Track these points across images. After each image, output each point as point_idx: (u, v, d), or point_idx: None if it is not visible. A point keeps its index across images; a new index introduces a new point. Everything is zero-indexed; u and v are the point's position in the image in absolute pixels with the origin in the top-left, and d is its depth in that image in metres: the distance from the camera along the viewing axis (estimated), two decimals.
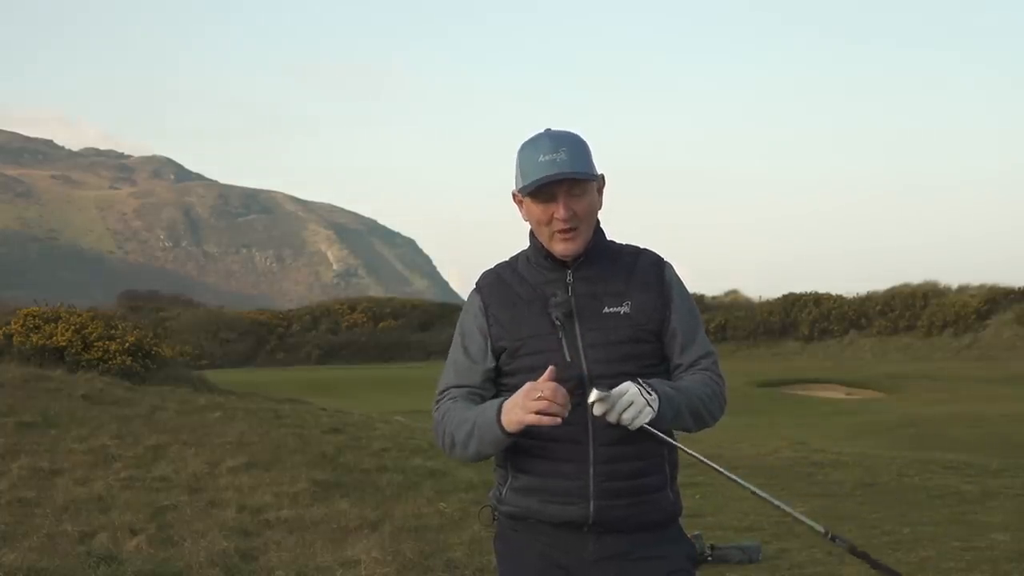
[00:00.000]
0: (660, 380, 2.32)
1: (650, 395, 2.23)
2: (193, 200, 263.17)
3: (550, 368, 2.20)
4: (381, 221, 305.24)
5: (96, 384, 11.96)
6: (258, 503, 6.99)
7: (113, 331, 14.25)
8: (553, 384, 2.17)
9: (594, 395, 2.20)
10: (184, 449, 8.69)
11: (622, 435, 2.27)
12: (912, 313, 30.94)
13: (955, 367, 24.81)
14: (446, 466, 8.23)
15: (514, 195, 2.47)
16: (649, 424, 2.23)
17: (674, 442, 2.32)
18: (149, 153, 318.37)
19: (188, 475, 7.80)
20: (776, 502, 2.31)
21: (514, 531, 2.43)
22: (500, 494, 2.45)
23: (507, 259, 2.53)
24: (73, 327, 13.90)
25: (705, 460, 2.30)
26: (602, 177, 2.46)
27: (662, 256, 2.49)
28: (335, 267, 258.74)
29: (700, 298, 34.21)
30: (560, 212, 2.35)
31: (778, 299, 34.03)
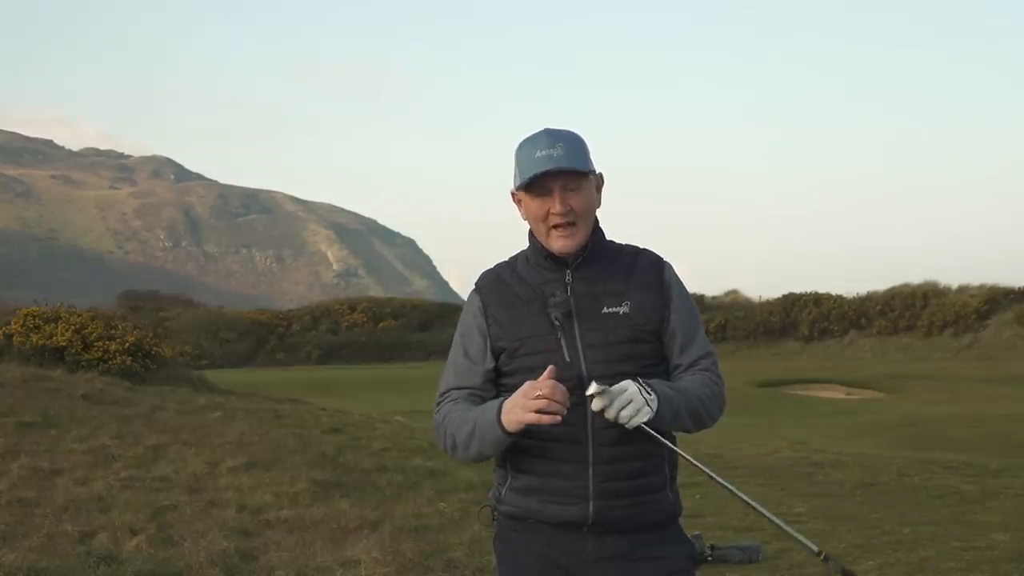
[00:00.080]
0: (660, 381, 2.33)
1: (649, 395, 2.24)
2: (193, 200, 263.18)
3: (550, 368, 2.20)
4: (381, 221, 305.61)
5: (96, 384, 11.96)
6: (258, 503, 6.99)
7: (113, 331, 14.25)
8: (552, 382, 2.17)
9: (593, 387, 2.20)
10: (184, 449, 8.69)
11: (622, 435, 2.27)
12: (912, 313, 30.93)
13: (955, 367, 24.80)
14: (446, 466, 8.23)
15: (513, 195, 2.48)
16: (647, 424, 2.23)
17: (671, 444, 2.32)
18: (149, 153, 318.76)
19: (188, 475, 7.80)
20: (771, 516, 2.31)
21: (514, 531, 2.43)
22: (500, 494, 2.45)
23: (506, 259, 2.53)
24: (73, 327, 13.89)
25: (698, 464, 2.30)
26: (600, 176, 2.46)
27: (661, 256, 2.49)
28: (335, 267, 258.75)
29: (700, 298, 34.20)
30: (556, 207, 2.36)
31: (778, 299, 34.02)
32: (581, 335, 2.35)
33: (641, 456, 2.33)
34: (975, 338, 29.07)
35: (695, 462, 2.31)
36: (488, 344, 2.42)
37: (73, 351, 13.47)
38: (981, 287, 31.41)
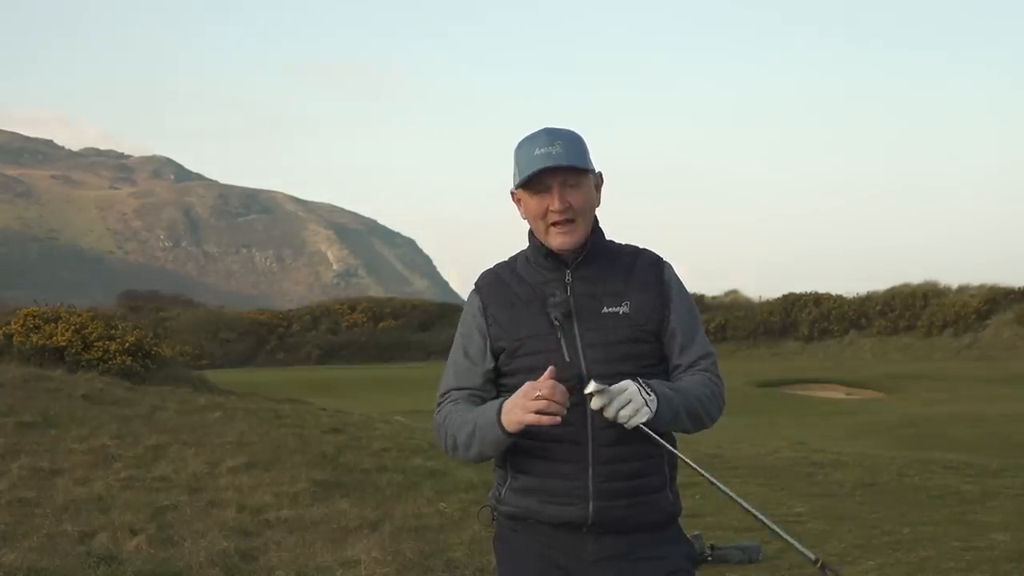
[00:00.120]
0: (660, 381, 2.33)
1: (649, 396, 2.24)
2: (193, 200, 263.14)
3: (550, 368, 2.20)
4: (381, 221, 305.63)
5: (96, 384, 11.96)
6: (258, 503, 6.99)
7: (113, 331, 14.25)
8: (551, 382, 2.18)
9: (592, 386, 2.20)
10: (184, 449, 8.69)
11: (621, 436, 2.27)
12: (912, 313, 30.93)
13: (955, 367, 24.79)
14: (446, 466, 8.23)
15: (512, 194, 2.48)
16: (646, 425, 2.23)
17: (668, 446, 2.32)
18: (149, 153, 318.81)
19: (188, 475, 7.80)
20: (768, 522, 2.31)
21: (513, 531, 2.43)
22: (499, 494, 2.45)
23: (506, 259, 2.54)
24: (73, 327, 13.89)
25: (696, 467, 2.30)
26: (600, 175, 2.46)
27: (661, 256, 2.49)
28: (335, 267, 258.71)
29: (700, 298, 34.19)
30: (555, 203, 2.36)
31: (778, 299, 34.01)
32: (581, 335, 2.35)
33: (640, 456, 2.33)
34: (975, 338, 29.06)
35: (693, 464, 2.30)
36: (488, 344, 2.42)
37: (73, 351, 13.47)
38: (981, 287, 31.40)
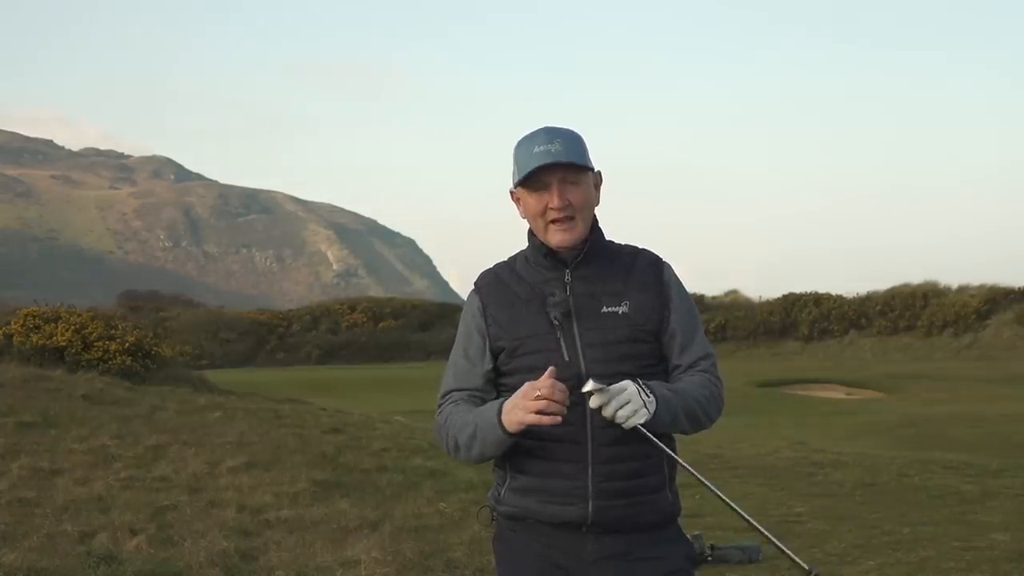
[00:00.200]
0: (659, 383, 2.33)
1: (648, 397, 2.24)
2: (193, 200, 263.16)
3: (550, 368, 2.21)
4: (381, 221, 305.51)
5: (96, 384, 11.97)
6: (258, 503, 6.99)
7: (113, 331, 14.25)
8: (551, 381, 2.18)
9: (591, 384, 2.21)
10: (184, 449, 8.69)
11: (621, 435, 2.27)
12: (912, 313, 30.93)
13: (955, 367, 24.80)
14: (446, 466, 8.23)
15: (512, 193, 2.48)
16: (645, 426, 2.23)
17: (666, 448, 2.32)
18: (149, 153, 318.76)
19: (188, 475, 7.80)
20: (762, 529, 2.31)
21: (513, 531, 2.43)
22: (499, 494, 2.45)
23: (505, 259, 2.54)
24: (73, 327, 13.90)
25: (692, 470, 2.30)
26: (599, 174, 2.47)
27: (660, 256, 2.50)
28: (335, 267, 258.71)
29: (700, 298, 34.20)
30: (555, 200, 2.36)
31: (778, 299, 34.02)
32: (580, 334, 2.35)
33: (640, 456, 2.33)
34: (975, 338, 29.07)
35: (688, 467, 2.31)
36: (487, 344, 2.43)
37: (73, 351, 13.47)
38: (981, 287, 31.41)
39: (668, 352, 2.43)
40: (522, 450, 2.35)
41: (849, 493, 8.15)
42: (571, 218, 2.38)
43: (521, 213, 2.47)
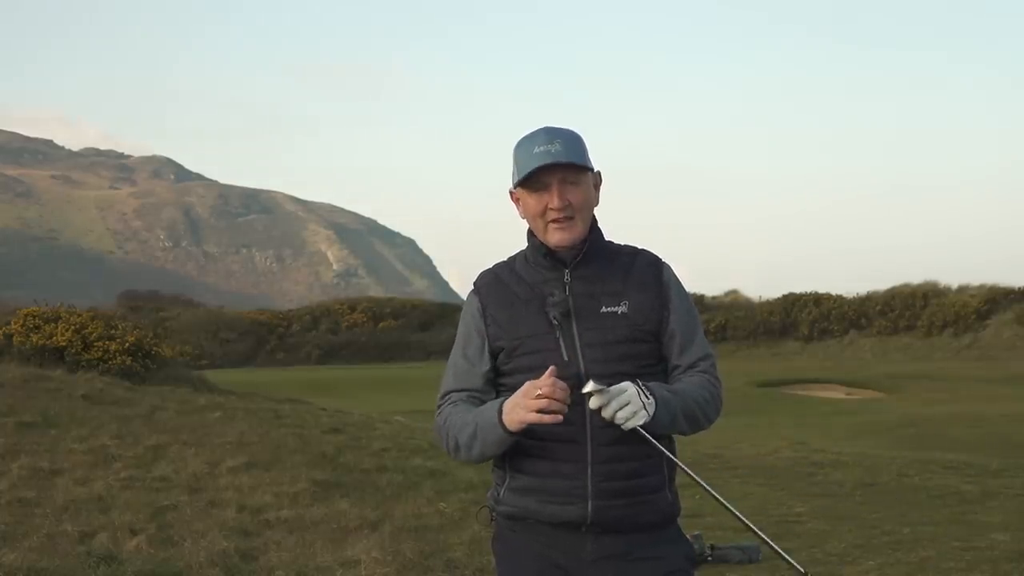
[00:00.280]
0: (659, 384, 2.33)
1: (647, 399, 2.24)
2: (193, 200, 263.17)
3: (551, 368, 2.21)
4: (381, 221, 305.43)
5: (96, 384, 11.97)
6: (258, 503, 6.99)
7: (113, 331, 14.25)
8: (552, 380, 2.18)
9: (591, 385, 2.21)
10: (184, 449, 8.69)
11: (620, 435, 2.27)
12: (912, 313, 30.93)
13: (955, 367, 24.80)
14: (446, 466, 8.24)
15: (511, 193, 2.48)
16: (644, 427, 2.23)
17: (665, 450, 2.32)
18: (149, 153, 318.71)
19: (188, 475, 7.80)
20: (759, 531, 2.32)
21: (512, 531, 2.43)
22: (498, 494, 2.45)
23: (505, 259, 2.54)
24: (73, 327, 13.90)
25: (691, 472, 2.30)
26: (598, 174, 2.47)
27: (660, 257, 2.50)
28: (335, 267, 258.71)
29: (700, 298, 34.21)
30: (554, 201, 2.36)
31: (778, 299, 34.02)
32: (579, 334, 2.36)
33: (639, 456, 2.33)
34: (975, 338, 29.07)
35: (687, 469, 2.31)
36: (486, 345, 2.43)
37: (73, 351, 13.48)
38: (981, 287, 31.41)
39: (667, 352, 2.43)
40: (521, 450, 2.35)
41: (849, 493, 8.15)
42: (570, 218, 2.38)
43: (521, 213, 2.47)
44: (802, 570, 2.26)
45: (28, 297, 21.18)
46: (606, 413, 2.22)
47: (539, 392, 2.18)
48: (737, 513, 2.28)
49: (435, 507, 7.02)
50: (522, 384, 2.25)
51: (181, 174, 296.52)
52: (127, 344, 13.82)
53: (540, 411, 2.19)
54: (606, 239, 2.49)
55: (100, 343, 13.63)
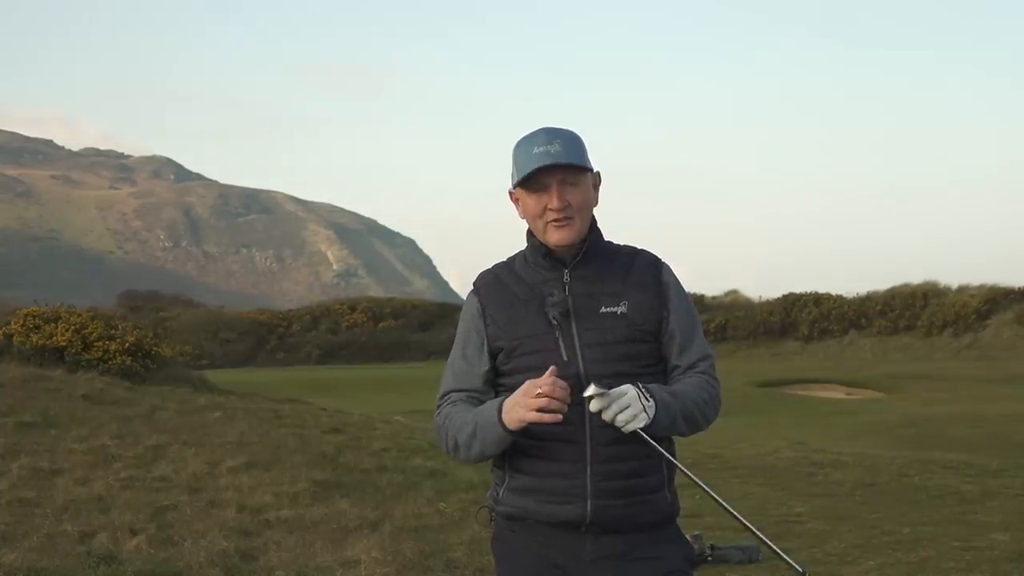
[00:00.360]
0: (659, 386, 2.33)
1: (648, 401, 2.24)
2: (193, 200, 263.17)
3: (552, 368, 2.21)
4: (381, 221, 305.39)
5: (96, 384, 11.97)
6: (258, 503, 6.99)
7: (113, 331, 14.25)
8: (552, 379, 2.19)
9: (591, 390, 2.21)
10: (184, 449, 8.69)
11: (619, 435, 2.27)
12: (912, 313, 30.93)
13: (955, 367, 24.80)
14: (446, 466, 8.24)
15: (511, 193, 2.48)
16: (644, 430, 2.24)
17: (665, 452, 2.32)
18: (149, 153, 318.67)
19: (188, 475, 7.80)
20: (757, 531, 2.32)
21: (511, 532, 2.43)
22: (497, 495, 2.45)
23: (504, 260, 2.54)
24: (73, 327, 13.90)
25: (690, 474, 2.30)
26: (598, 174, 2.47)
27: (659, 257, 2.50)
28: (335, 267, 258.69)
29: (700, 298, 34.21)
30: (554, 202, 2.37)
31: (778, 299, 34.02)
32: (579, 334, 2.36)
33: (638, 456, 2.33)
34: (975, 338, 29.07)
35: (686, 471, 2.32)
36: (485, 345, 2.43)
37: (73, 351, 13.48)
38: (981, 287, 31.40)
39: (667, 353, 2.43)
40: (520, 450, 2.35)
41: (849, 493, 8.15)
42: (570, 218, 2.38)
43: (520, 213, 2.47)
44: (800, 569, 2.26)
45: (28, 297, 21.19)
46: (606, 416, 2.22)
47: (539, 391, 2.18)
48: (735, 513, 2.29)
49: (435, 507, 7.02)
50: (522, 384, 2.25)
51: (181, 174, 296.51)
52: (127, 344, 13.82)
53: (540, 410, 2.19)
54: (606, 239, 2.50)
55: (100, 343, 13.63)
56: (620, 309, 2.38)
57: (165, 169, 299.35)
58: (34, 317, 14.24)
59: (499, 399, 2.31)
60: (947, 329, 29.92)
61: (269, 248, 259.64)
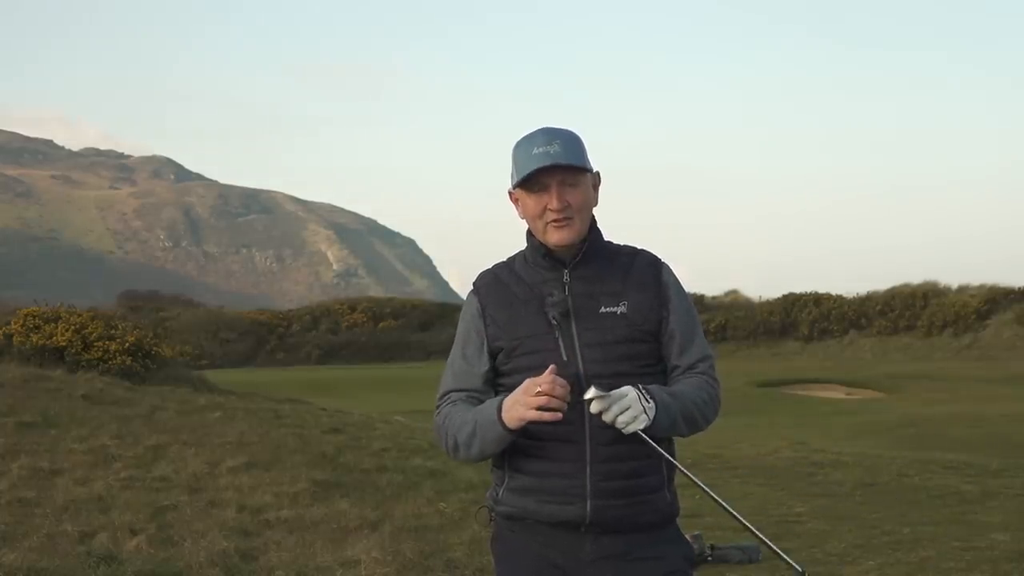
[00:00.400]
0: (659, 387, 2.33)
1: (648, 403, 2.24)
2: (193, 200, 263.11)
3: (552, 367, 2.21)
4: (381, 221, 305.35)
5: (96, 384, 11.97)
6: (258, 503, 6.99)
7: (113, 331, 14.26)
8: (552, 377, 2.19)
9: (592, 392, 2.21)
10: (184, 449, 8.69)
11: (619, 435, 2.27)
12: (912, 313, 30.93)
13: (955, 367, 24.79)
14: (446, 466, 8.24)
15: (511, 194, 2.48)
16: (644, 431, 2.24)
17: (666, 454, 2.33)
18: (149, 153, 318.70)
19: (188, 475, 7.80)
20: (756, 531, 2.32)
21: (511, 532, 2.43)
22: (497, 495, 2.45)
23: (504, 260, 2.54)
24: (73, 327, 13.90)
25: (690, 474, 2.31)
26: (597, 174, 2.47)
27: (659, 257, 2.50)
28: (335, 267, 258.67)
29: (700, 298, 34.21)
30: (554, 202, 2.37)
31: (778, 299, 34.01)
32: (579, 334, 2.36)
33: (638, 456, 2.33)
34: (975, 338, 29.06)
35: (686, 471, 2.32)
36: (485, 345, 2.43)
37: (73, 351, 13.48)
38: (981, 287, 31.40)
39: (667, 353, 2.43)
40: (520, 450, 2.35)
41: (849, 493, 8.15)
42: (570, 219, 2.38)
43: (520, 213, 2.47)
44: (800, 569, 2.26)
45: (28, 297, 21.19)
46: (607, 417, 2.22)
47: (539, 389, 2.18)
48: (735, 513, 2.29)
49: (435, 507, 7.02)
50: (521, 384, 2.25)
51: (181, 174, 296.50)
52: (127, 344, 13.82)
53: (540, 408, 2.19)
54: (605, 239, 2.50)
55: (100, 343, 13.64)
56: (620, 309, 2.38)
57: (165, 169, 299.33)
58: (34, 317, 14.24)
59: (499, 398, 2.31)
60: (947, 329, 29.91)
61: (269, 248, 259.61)
